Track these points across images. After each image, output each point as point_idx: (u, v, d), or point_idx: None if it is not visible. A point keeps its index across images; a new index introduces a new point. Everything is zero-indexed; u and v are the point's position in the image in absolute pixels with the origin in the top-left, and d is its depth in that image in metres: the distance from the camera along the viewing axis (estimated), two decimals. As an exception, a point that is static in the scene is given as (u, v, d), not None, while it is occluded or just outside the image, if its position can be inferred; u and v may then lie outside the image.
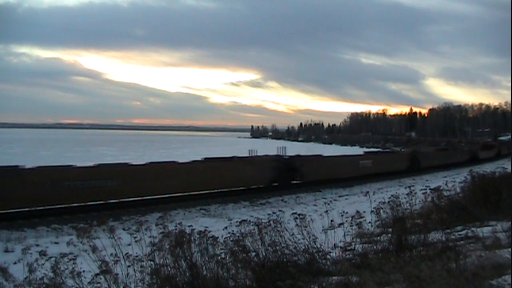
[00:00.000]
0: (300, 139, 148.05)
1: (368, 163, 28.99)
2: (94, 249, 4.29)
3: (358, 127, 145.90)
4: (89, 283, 4.06)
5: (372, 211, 6.09)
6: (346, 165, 27.56)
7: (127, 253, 4.37)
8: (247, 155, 27.33)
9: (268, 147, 32.75)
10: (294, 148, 42.33)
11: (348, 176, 26.52)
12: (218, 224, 12.86)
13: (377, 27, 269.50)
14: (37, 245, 10.59)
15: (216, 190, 20.08)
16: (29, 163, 15.83)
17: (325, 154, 29.33)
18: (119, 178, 16.25)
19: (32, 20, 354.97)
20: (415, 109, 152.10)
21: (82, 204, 15.68)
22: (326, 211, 5.75)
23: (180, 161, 20.09)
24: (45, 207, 14.88)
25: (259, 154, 27.95)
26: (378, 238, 5.95)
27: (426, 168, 34.74)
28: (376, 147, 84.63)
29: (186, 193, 19.07)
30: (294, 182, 23.33)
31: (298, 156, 25.68)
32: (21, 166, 14.94)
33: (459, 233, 6.50)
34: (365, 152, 35.39)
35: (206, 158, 21.26)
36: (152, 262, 4.37)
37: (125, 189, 16.37)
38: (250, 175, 21.19)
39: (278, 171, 22.33)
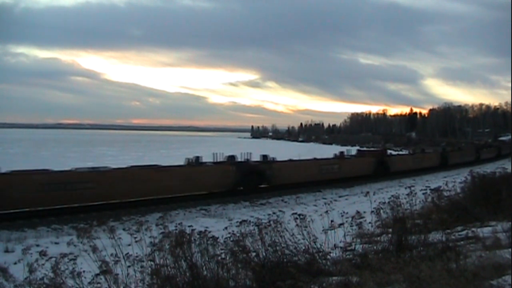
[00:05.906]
0: (300, 139, 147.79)
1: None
2: (94, 249, 4.29)
3: (358, 128, 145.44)
4: (89, 283, 4.06)
5: (372, 211, 6.09)
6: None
7: (127, 253, 4.37)
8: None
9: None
10: (295, 149, 42.33)
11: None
12: (218, 224, 12.85)
13: (374, 27, 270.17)
14: (37, 245, 10.57)
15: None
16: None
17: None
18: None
19: (29, 20, 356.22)
20: (415, 109, 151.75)
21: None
22: (326, 211, 5.76)
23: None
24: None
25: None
26: (378, 238, 5.94)
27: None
28: (377, 147, 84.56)
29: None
30: None
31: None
32: None
33: (459, 233, 6.50)
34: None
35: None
36: (152, 262, 4.37)
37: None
38: None
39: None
